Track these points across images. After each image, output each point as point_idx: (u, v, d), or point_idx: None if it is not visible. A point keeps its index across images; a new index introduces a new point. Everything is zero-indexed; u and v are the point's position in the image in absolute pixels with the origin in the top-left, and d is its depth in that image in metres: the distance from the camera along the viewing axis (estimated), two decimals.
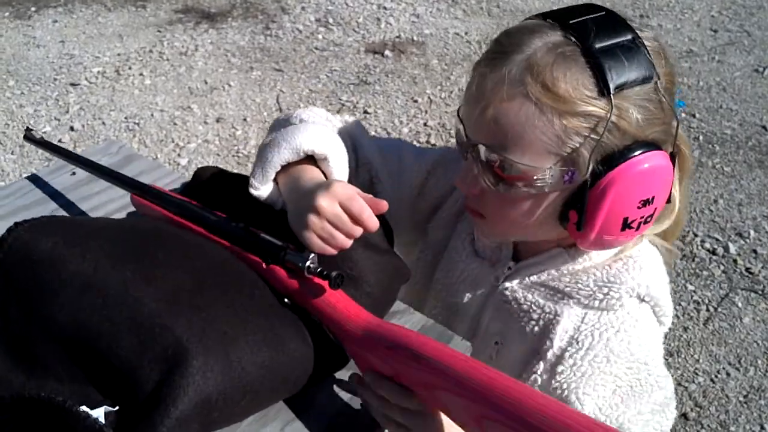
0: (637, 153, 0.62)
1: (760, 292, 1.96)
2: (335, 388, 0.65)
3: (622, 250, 0.74)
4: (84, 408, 0.52)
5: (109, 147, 1.06)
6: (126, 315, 0.56)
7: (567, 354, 0.72)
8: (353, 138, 0.84)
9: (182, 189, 0.93)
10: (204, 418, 0.54)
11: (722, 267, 2.04)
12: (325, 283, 0.61)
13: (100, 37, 3.36)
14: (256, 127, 2.69)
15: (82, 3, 3.70)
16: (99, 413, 0.53)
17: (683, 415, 1.65)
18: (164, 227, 0.70)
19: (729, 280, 2.00)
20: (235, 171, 1.07)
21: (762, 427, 1.63)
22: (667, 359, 1.77)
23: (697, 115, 2.73)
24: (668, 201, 0.67)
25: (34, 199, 0.94)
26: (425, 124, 2.71)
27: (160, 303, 0.57)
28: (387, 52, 3.18)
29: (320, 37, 3.34)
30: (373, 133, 2.52)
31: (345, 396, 0.65)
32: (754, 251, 2.09)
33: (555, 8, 0.67)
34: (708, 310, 1.92)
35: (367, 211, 0.63)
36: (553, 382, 0.72)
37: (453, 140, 0.72)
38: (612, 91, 0.60)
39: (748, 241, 2.13)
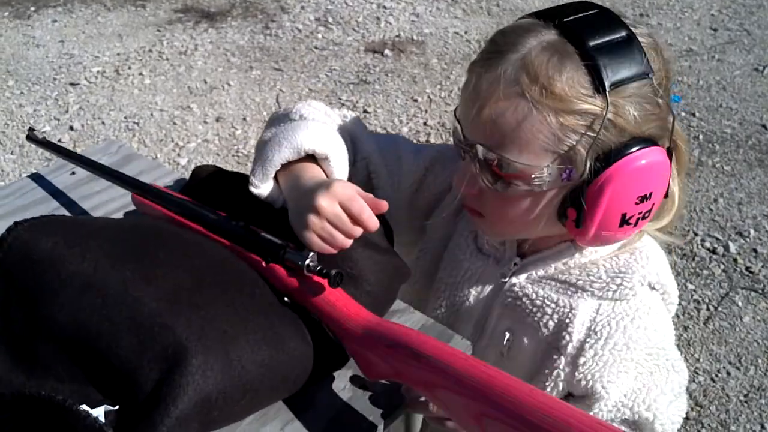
0: (634, 149, 0.62)
1: (760, 291, 1.96)
2: (335, 387, 0.65)
3: (627, 242, 0.74)
4: (84, 407, 0.52)
5: (109, 147, 1.06)
6: (126, 314, 0.56)
7: (587, 345, 0.73)
8: (352, 133, 0.84)
9: (180, 188, 0.93)
10: (204, 417, 0.54)
11: (722, 266, 2.04)
12: (324, 282, 0.61)
13: (100, 37, 3.36)
14: (256, 127, 2.69)
15: (82, 3, 3.69)
16: (99, 412, 0.53)
17: None
18: (164, 226, 0.70)
19: (729, 279, 2.00)
20: (235, 170, 1.07)
21: (762, 426, 1.63)
22: None
23: (697, 114, 2.73)
24: (666, 196, 0.67)
25: (34, 198, 0.94)
26: (425, 124, 2.71)
27: (159, 302, 0.57)
28: (387, 52, 3.18)
29: (320, 36, 3.34)
30: None
31: (345, 395, 0.65)
32: (755, 250, 2.09)
33: (550, 6, 0.67)
34: (708, 309, 1.92)
35: (367, 211, 0.63)
36: (576, 374, 0.73)
37: (452, 139, 0.72)
38: (608, 89, 0.60)
39: (748, 240, 2.13)
